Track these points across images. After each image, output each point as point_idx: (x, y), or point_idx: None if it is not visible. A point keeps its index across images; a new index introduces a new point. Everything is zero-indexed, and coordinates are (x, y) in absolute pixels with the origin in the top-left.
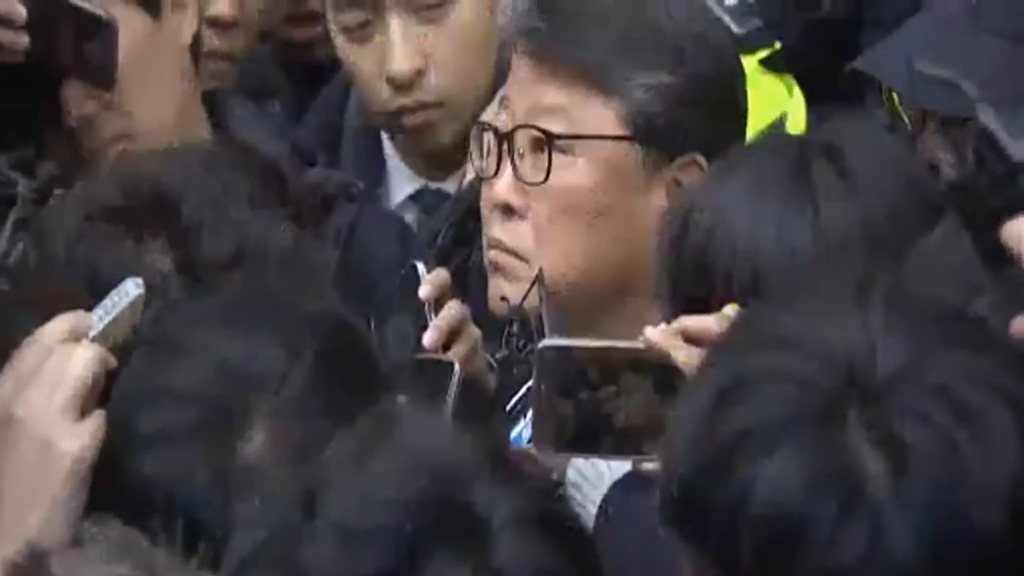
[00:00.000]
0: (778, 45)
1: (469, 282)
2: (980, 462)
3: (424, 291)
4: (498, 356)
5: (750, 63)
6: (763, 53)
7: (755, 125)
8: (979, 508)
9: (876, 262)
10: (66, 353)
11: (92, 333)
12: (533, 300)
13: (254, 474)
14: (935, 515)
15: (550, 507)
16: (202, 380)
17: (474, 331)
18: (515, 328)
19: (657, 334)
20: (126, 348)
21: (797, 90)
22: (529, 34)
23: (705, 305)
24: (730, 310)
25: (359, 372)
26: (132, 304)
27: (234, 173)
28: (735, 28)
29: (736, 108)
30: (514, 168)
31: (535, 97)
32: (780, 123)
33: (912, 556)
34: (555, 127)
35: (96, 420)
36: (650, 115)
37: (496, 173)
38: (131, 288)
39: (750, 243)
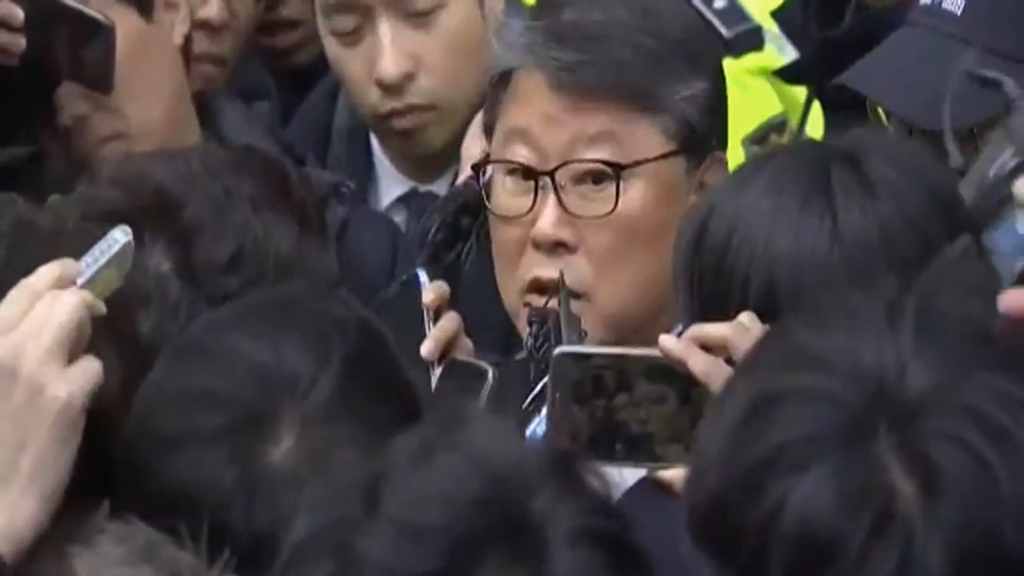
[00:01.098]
0: (767, 48)
1: (461, 281)
2: (1011, 483)
3: (428, 297)
4: (518, 357)
5: (739, 65)
6: (751, 56)
7: (745, 127)
8: (1010, 529)
9: (895, 272)
10: (53, 298)
11: (80, 280)
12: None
13: (282, 478)
14: (966, 536)
15: (610, 525)
16: (230, 384)
17: (466, 343)
18: (535, 329)
19: (673, 341)
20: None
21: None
22: (559, 66)
23: (722, 309)
24: (746, 318)
25: (385, 377)
26: (121, 251)
27: (237, 175)
28: (724, 31)
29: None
30: (561, 204)
31: (573, 128)
32: (775, 125)
33: None
34: (604, 155)
35: (85, 365)
36: (692, 124)
37: (531, 211)
38: (119, 236)
39: (767, 248)
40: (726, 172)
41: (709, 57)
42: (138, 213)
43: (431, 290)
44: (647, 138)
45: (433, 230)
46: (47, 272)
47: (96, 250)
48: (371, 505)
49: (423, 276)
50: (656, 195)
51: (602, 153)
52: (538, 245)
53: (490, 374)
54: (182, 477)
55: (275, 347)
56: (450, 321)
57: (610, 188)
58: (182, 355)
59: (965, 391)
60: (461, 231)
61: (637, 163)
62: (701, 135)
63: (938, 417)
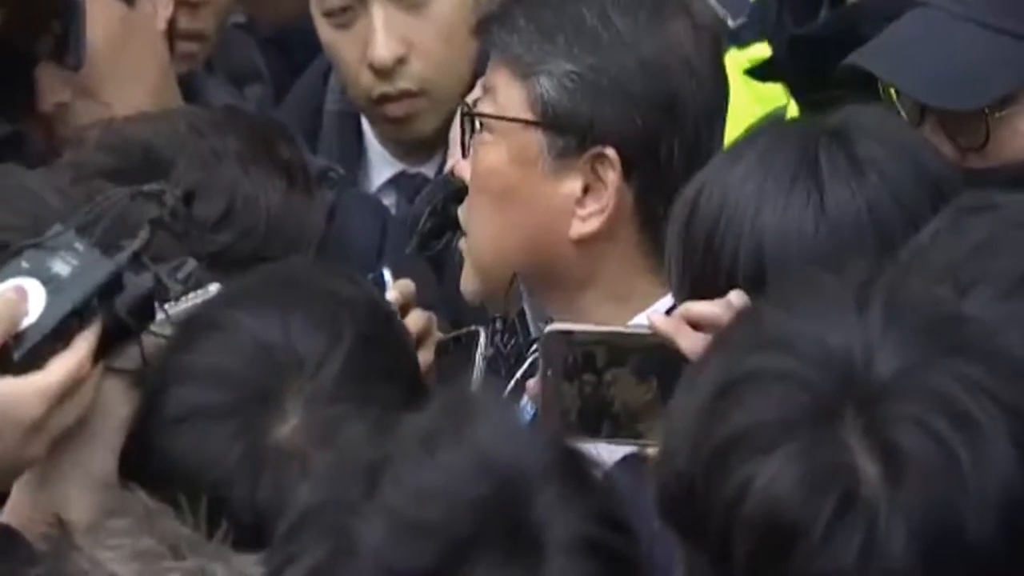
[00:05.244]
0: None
1: (450, 270)
2: (974, 468)
3: (392, 296)
4: (485, 354)
5: (743, 56)
6: (756, 47)
7: (748, 118)
8: (973, 514)
9: (880, 251)
10: None
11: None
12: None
13: (286, 456)
14: (929, 520)
15: (610, 536)
16: (238, 360)
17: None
18: (499, 325)
19: (662, 319)
20: None
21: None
22: (487, 25)
23: (712, 286)
24: (735, 297)
25: (394, 357)
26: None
27: (222, 133)
28: (729, 21)
29: (672, 104)
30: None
31: (488, 80)
32: (778, 116)
33: (906, 560)
34: (485, 108)
35: None
36: (555, 102)
37: None
38: (213, 289)
39: (755, 226)
40: (616, 170)
41: (630, 49)
42: (128, 175)
43: (395, 288)
44: (517, 103)
45: (422, 219)
46: None
47: (188, 296)
48: (372, 488)
49: (387, 275)
50: (508, 157)
51: (486, 107)
52: None
53: (482, 334)
54: (188, 452)
55: (284, 326)
56: (416, 319)
57: (481, 135)
58: (191, 331)
59: (932, 376)
60: (450, 220)
61: (477, 114)
62: (566, 116)
63: (905, 401)
